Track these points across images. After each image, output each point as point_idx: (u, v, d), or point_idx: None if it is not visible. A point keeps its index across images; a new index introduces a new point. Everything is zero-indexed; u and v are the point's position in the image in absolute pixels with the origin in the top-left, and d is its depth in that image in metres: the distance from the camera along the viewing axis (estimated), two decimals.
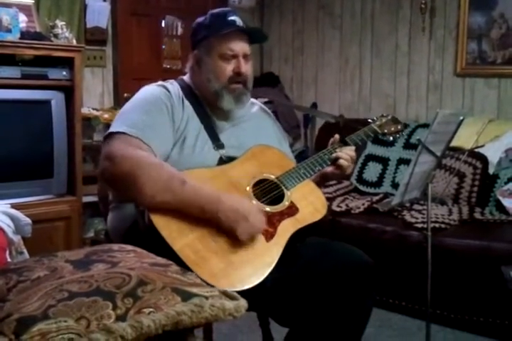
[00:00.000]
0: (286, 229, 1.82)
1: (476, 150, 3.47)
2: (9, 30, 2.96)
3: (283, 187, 1.91)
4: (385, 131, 2.21)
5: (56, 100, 3.12)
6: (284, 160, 2.04)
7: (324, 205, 1.96)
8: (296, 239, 1.86)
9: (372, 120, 2.24)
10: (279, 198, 1.89)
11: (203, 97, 2.02)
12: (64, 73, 3.17)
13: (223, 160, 1.92)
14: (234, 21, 1.97)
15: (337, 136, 2.09)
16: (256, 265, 1.70)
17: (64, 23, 3.29)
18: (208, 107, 2.02)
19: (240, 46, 1.97)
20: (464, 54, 4.03)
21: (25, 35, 3.06)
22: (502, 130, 3.60)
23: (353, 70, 4.71)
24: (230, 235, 1.71)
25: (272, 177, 1.92)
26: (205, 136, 1.95)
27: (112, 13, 4.22)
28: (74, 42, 3.32)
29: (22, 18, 3.13)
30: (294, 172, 1.95)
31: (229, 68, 1.96)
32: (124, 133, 1.79)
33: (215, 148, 1.94)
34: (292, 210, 1.87)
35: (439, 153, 2.38)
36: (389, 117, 2.26)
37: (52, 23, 3.28)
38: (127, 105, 1.94)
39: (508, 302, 2.80)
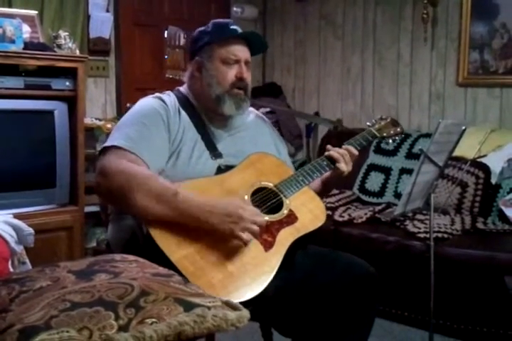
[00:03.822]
0: (286, 238, 1.81)
1: (479, 160, 3.47)
2: (13, 41, 2.97)
3: (281, 196, 1.90)
4: (384, 134, 2.17)
5: (59, 110, 3.13)
6: (282, 167, 2.02)
7: (323, 212, 1.94)
8: (297, 246, 1.85)
9: (372, 124, 2.19)
10: (277, 206, 1.88)
11: (200, 106, 2.02)
12: (67, 83, 3.18)
13: (222, 169, 1.91)
14: (236, 30, 2.00)
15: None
16: (255, 275, 1.69)
17: (67, 33, 3.30)
18: (205, 117, 2.01)
19: (243, 52, 1.98)
20: (466, 64, 4.04)
21: (28, 45, 3.07)
22: (504, 140, 3.60)
23: (355, 80, 4.72)
24: (229, 246, 1.70)
25: (271, 185, 1.90)
26: (202, 146, 1.94)
27: (115, 23, 4.26)
28: (77, 52, 3.33)
29: (25, 28, 3.15)
30: (292, 179, 1.93)
31: (231, 73, 1.96)
32: (119, 147, 1.79)
33: (213, 157, 1.93)
34: (291, 219, 1.86)
35: (441, 163, 2.38)
36: (388, 120, 2.22)
37: (55, 34, 3.29)
38: (124, 118, 1.95)
39: None
